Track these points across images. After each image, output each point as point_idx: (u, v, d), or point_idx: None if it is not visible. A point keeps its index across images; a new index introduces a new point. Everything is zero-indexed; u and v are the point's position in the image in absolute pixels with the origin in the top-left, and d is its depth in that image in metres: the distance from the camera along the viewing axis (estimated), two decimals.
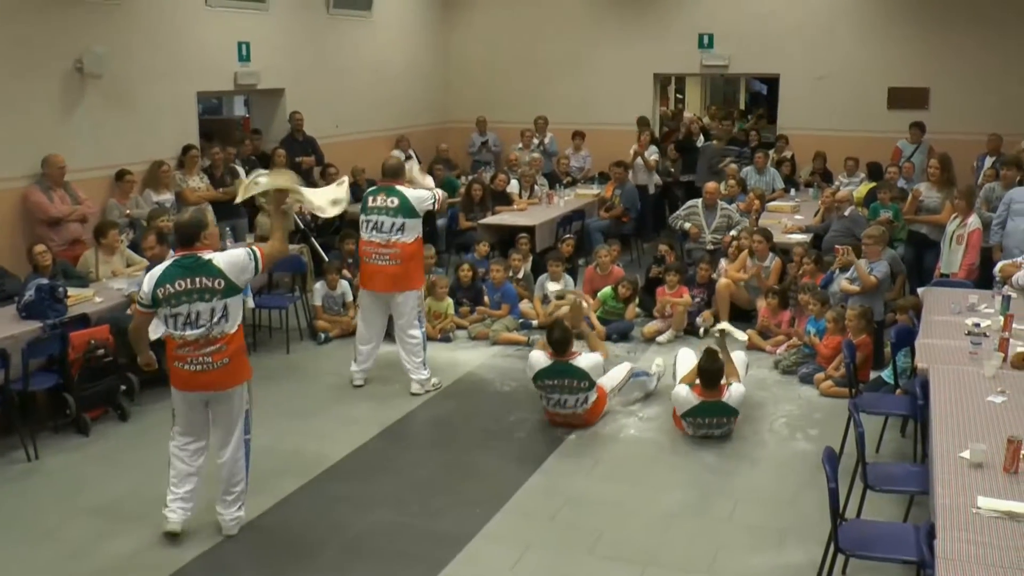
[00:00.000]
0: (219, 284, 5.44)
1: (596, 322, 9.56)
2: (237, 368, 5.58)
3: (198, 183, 10.61)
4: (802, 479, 6.49)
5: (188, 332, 5.44)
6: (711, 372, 7.00)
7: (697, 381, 7.10)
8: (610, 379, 7.71)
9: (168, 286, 5.41)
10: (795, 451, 7.03)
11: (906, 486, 5.34)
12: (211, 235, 5.67)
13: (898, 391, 7.14)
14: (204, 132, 12.11)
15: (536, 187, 13.32)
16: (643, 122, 15.00)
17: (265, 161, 11.81)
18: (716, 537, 5.75)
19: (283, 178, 5.99)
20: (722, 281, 9.97)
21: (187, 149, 10.74)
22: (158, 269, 5.53)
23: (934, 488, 4.42)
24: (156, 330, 7.10)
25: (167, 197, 10.16)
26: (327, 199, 6.19)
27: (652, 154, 14.13)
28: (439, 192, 8.30)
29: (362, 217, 8.09)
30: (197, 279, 5.41)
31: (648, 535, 5.78)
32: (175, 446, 5.72)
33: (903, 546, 4.53)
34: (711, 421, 7.07)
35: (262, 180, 5.94)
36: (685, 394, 7.10)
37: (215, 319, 5.43)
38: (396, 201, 7.96)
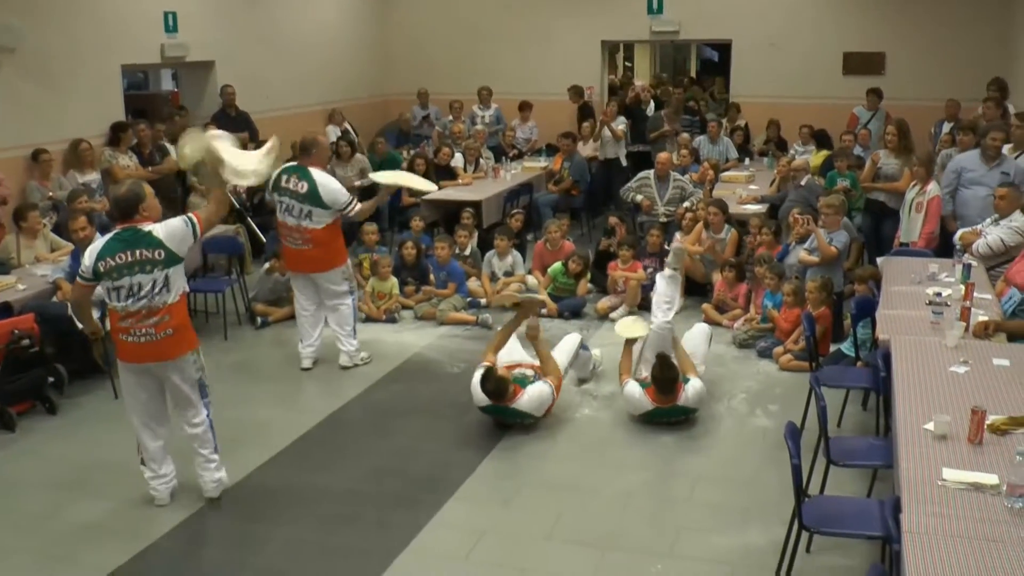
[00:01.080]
0: (159, 255, 5.57)
1: (547, 299, 9.55)
2: (182, 338, 5.74)
3: (127, 161, 10.42)
4: (763, 456, 6.55)
5: (131, 304, 5.56)
6: (665, 381, 6.88)
7: (649, 382, 7.03)
8: (562, 353, 7.65)
9: (109, 259, 5.54)
10: (755, 428, 7.08)
11: (870, 460, 5.41)
12: (150, 207, 5.72)
13: (859, 363, 7.23)
14: (130, 108, 11.90)
15: (481, 160, 13.28)
16: (577, 91, 15.00)
17: None
18: (677, 518, 5.78)
19: (199, 142, 5.95)
20: (676, 245, 9.96)
21: (123, 127, 10.54)
22: (99, 243, 5.66)
23: (898, 461, 4.47)
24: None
25: (92, 177, 9.97)
26: (244, 167, 6.06)
27: (620, 124, 14.15)
28: (358, 205, 8.08)
29: (275, 196, 8.01)
30: (138, 251, 5.55)
31: (607, 518, 5.79)
32: (135, 424, 5.91)
33: (868, 521, 4.58)
34: (667, 421, 7.08)
35: (185, 151, 5.95)
36: (638, 397, 7.02)
37: (156, 290, 5.58)
38: (305, 187, 7.86)
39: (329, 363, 8.39)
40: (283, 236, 8.06)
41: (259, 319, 9.54)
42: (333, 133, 14.06)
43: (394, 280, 9.87)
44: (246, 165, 6.08)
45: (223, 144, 5.98)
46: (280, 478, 6.39)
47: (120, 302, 5.58)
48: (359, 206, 8.07)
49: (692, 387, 6.97)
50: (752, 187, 11.96)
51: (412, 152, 13.74)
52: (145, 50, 11.64)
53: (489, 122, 15.00)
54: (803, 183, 10.58)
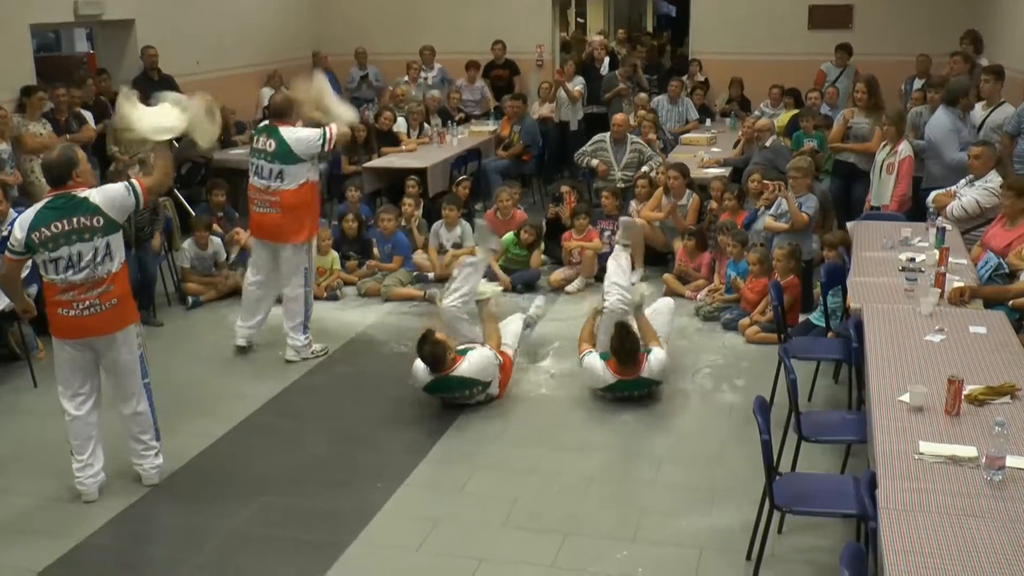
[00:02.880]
0: (98, 222, 5.59)
1: (499, 272, 9.56)
2: (125, 309, 5.78)
3: (40, 128, 10.24)
4: (730, 433, 6.63)
5: (72, 275, 5.56)
6: (625, 352, 6.91)
7: (610, 355, 7.07)
8: (511, 335, 7.68)
9: (43, 230, 5.53)
10: (721, 404, 7.17)
11: (843, 435, 5.49)
12: (83, 172, 5.71)
13: (830, 334, 7.33)
14: (40, 71, 11.67)
15: (426, 125, 13.22)
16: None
17: (112, 103, 11.45)
18: (640, 501, 5.84)
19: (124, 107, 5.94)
20: (638, 220, 10.05)
21: (29, 90, 10.34)
22: (29, 213, 5.63)
23: (873, 435, 4.54)
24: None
25: (2, 147, 9.77)
26: (152, 125, 5.99)
27: (577, 85, 14.12)
28: (332, 127, 7.93)
29: (250, 159, 8.05)
30: (74, 219, 5.55)
31: (566, 502, 5.84)
32: (67, 410, 5.85)
33: (843, 499, 4.65)
34: (631, 394, 7.13)
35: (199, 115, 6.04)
36: (599, 369, 7.04)
37: (98, 259, 5.62)
38: (273, 144, 7.84)
39: (268, 345, 8.35)
40: (251, 201, 8.03)
41: (190, 299, 9.46)
42: (268, 96, 13.87)
43: (334, 255, 9.84)
44: (152, 121, 5.99)
45: (130, 104, 5.95)
46: (219, 467, 6.36)
47: (59, 274, 5.57)
48: (333, 129, 7.92)
49: (655, 357, 7.01)
50: (714, 149, 12.03)
51: None
52: (56, 7, 11.42)
53: (433, 84, 14.92)
54: (767, 144, 10.66)
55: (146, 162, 10.16)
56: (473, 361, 6.95)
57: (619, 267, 7.73)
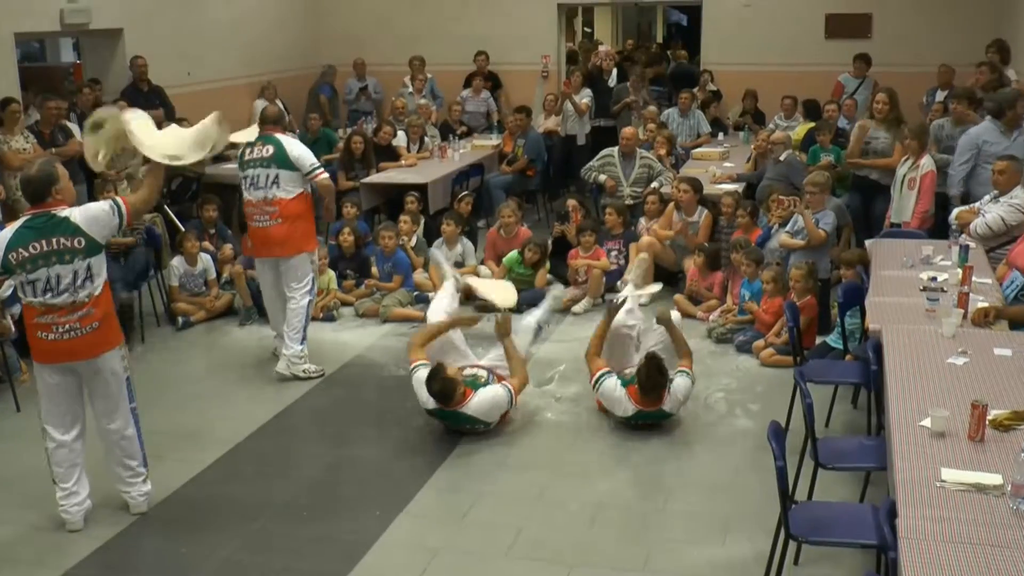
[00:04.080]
0: (79, 243, 5.57)
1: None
2: (108, 332, 5.76)
3: (23, 143, 10.28)
4: (744, 460, 6.64)
5: (51, 299, 5.55)
6: (651, 386, 6.89)
7: (629, 380, 7.07)
8: (522, 338, 7.71)
9: (21, 250, 5.51)
10: (735, 429, 7.17)
11: (861, 462, 5.50)
12: (64, 189, 5.69)
13: (847, 357, 7.34)
14: (25, 82, 11.74)
15: (426, 139, 13.27)
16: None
17: None
18: (650, 530, 5.85)
19: (113, 123, 5.95)
20: (644, 238, 10.07)
21: (6, 103, 10.38)
22: (6, 232, 5.61)
23: (893, 462, 4.54)
24: None
25: None
26: (186, 142, 6.07)
27: (584, 97, 14.17)
28: (325, 173, 8.18)
29: (240, 174, 8.12)
30: (53, 240, 5.53)
31: (573, 531, 5.84)
32: (51, 437, 5.84)
33: (861, 528, 4.66)
34: (644, 423, 7.13)
35: (88, 140, 5.95)
36: (621, 400, 7.02)
37: (78, 282, 5.59)
38: (271, 150, 7.95)
39: (262, 367, 8.37)
40: (249, 218, 8.11)
41: (180, 319, 9.48)
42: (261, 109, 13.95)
43: (331, 274, 9.86)
44: (182, 139, 6.12)
45: (140, 123, 5.97)
46: (210, 494, 6.37)
47: (37, 297, 5.56)
48: (326, 175, 8.13)
49: (679, 388, 7.00)
50: (727, 164, 12.05)
51: (349, 130, 13.69)
52: (42, 16, 11.49)
53: (423, 95, 14.98)
54: (782, 159, 10.68)
55: (134, 177, 10.21)
56: (484, 400, 6.94)
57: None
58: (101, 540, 5.81)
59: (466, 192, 11.53)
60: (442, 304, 8.04)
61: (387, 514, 6.03)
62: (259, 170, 7.95)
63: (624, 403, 7.01)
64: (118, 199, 5.79)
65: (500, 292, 7.94)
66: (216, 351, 8.80)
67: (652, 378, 6.88)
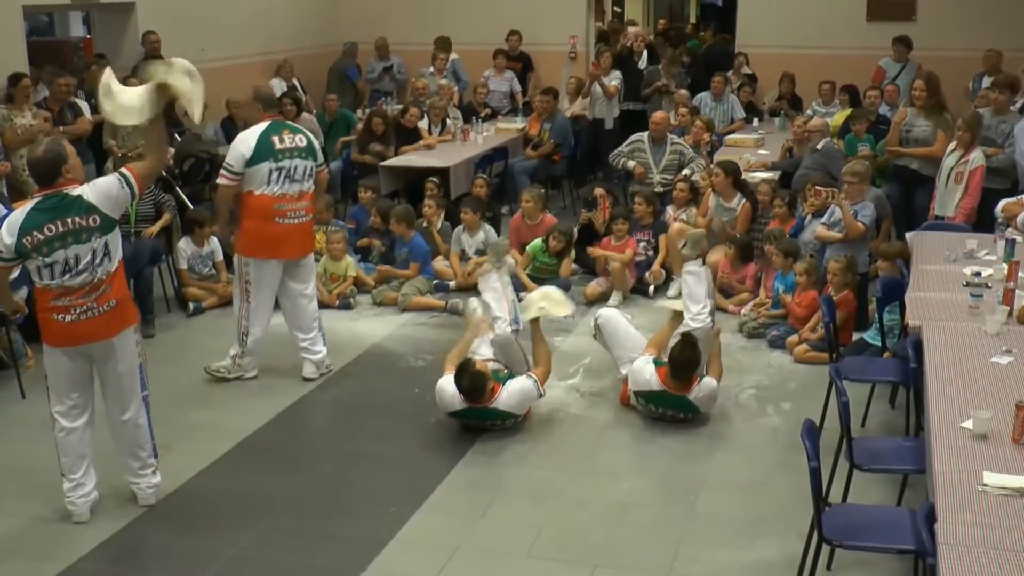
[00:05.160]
0: (94, 221, 5.60)
1: (528, 282, 9.59)
2: (124, 310, 5.83)
3: (30, 120, 10.34)
4: (775, 460, 6.63)
5: (69, 279, 5.59)
6: (682, 363, 6.88)
7: (664, 361, 7.07)
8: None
9: (36, 234, 5.54)
10: (766, 428, 7.17)
11: (899, 464, 5.50)
12: (73, 167, 5.70)
13: (886, 354, 7.32)
14: (33, 57, 11.80)
15: (448, 121, 13.28)
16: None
17: None
18: (677, 531, 5.85)
19: (173, 75, 5.86)
20: (675, 226, 10.03)
21: (16, 78, 10.44)
22: (18, 215, 5.61)
23: (932, 465, 4.54)
24: None
25: None
26: (129, 102, 5.88)
27: (614, 79, 14.15)
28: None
29: (269, 165, 7.58)
30: (69, 220, 5.55)
31: (596, 531, 5.85)
32: (60, 424, 5.89)
33: (898, 533, 4.65)
34: (666, 412, 7.14)
35: (180, 79, 5.81)
36: (648, 376, 7.03)
37: (97, 260, 5.64)
38: (304, 139, 7.80)
39: (275, 357, 8.39)
40: (276, 215, 7.66)
41: (191, 305, 9.53)
42: (279, 87, 14.01)
43: (349, 260, 9.87)
44: (130, 100, 5.88)
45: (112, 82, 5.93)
46: (220, 487, 6.41)
47: (55, 279, 5.59)
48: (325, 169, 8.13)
49: (707, 384, 7.02)
50: (761, 152, 12.03)
51: (368, 110, 13.71)
52: None
53: (445, 76, 14.99)
54: (820, 147, 10.64)
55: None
56: (513, 392, 6.95)
57: (696, 284, 7.66)
58: (108, 533, 5.85)
59: (481, 175, 11.52)
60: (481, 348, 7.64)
61: (403, 511, 6.06)
62: (296, 161, 7.67)
63: (650, 375, 7.01)
64: (124, 170, 5.78)
65: (555, 304, 7.84)
66: (228, 339, 8.81)
67: (683, 351, 6.88)
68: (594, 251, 9.98)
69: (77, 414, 5.90)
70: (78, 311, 5.64)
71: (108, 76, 5.98)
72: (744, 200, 10.04)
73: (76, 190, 5.62)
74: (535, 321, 7.56)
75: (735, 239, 9.59)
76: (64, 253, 5.55)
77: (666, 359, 7.08)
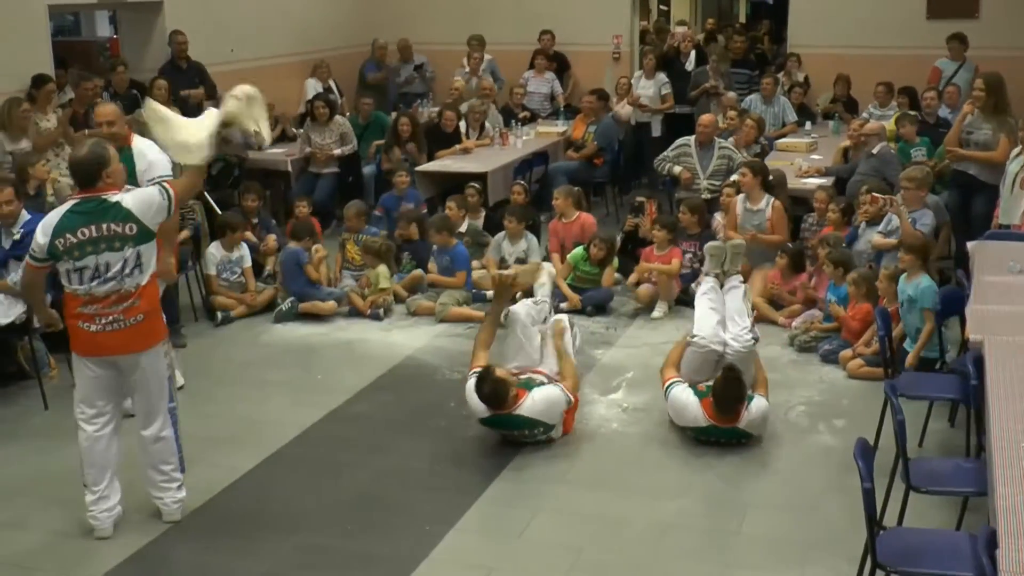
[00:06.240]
0: (130, 229, 5.67)
1: (567, 290, 9.58)
2: (152, 326, 5.86)
3: (55, 124, 10.44)
4: (827, 481, 6.59)
5: (97, 286, 5.64)
6: (727, 399, 6.87)
7: (704, 393, 7.04)
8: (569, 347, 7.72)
9: (69, 236, 5.61)
10: (817, 447, 7.13)
11: (958, 486, 5.45)
12: (115, 172, 5.80)
13: (945, 370, 7.26)
14: (58, 57, 11.93)
15: (487, 124, 13.31)
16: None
17: (142, 94, 11.70)
18: (722, 554, 5.84)
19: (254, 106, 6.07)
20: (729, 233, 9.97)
21: (40, 81, 10.56)
22: (53, 216, 5.72)
23: (994, 487, 4.50)
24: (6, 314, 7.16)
25: (24, 145, 9.95)
26: (188, 138, 5.98)
27: (660, 84, 14.18)
28: None
29: None
30: (104, 225, 5.63)
31: (639, 553, 5.85)
32: (85, 431, 5.94)
33: (957, 559, 4.60)
34: (718, 440, 7.09)
35: (231, 104, 5.96)
36: (692, 409, 7.00)
37: (127, 270, 5.70)
38: None
39: (301, 368, 8.44)
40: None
41: (219, 314, 9.60)
42: (313, 88, 14.10)
43: (383, 269, 9.89)
44: (189, 138, 5.97)
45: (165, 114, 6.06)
46: (247, 503, 6.45)
47: (83, 284, 5.66)
48: None
49: (757, 408, 6.97)
50: (814, 156, 11.97)
51: (399, 113, 13.75)
52: None
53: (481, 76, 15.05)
54: (875, 151, 10.58)
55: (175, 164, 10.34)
56: (538, 400, 6.94)
57: (740, 304, 7.71)
58: (131, 549, 5.89)
59: (518, 181, 11.53)
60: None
61: (437, 529, 6.07)
62: None
63: (695, 411, 6.98)
64: (165, 184, 5.88)
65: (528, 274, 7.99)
66: (257, 349, 8.90)
67: (729, 390, 6.84)
68: (643, 265, 9.90)
69: (103, 422, 5.94)
70: (103, 321, 5.69)
71: (159, 107, 6.12)
72: (773, 200, 9.96)
73: (115, 196, 5.70)
74: (557, 338, 7.56)
75: (787, 248, 9.54)
76: (95, 259, 5.62)
77: (697, 384, 7.13)
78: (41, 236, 5.68)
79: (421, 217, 10.51)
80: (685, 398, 7.05)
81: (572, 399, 7.13)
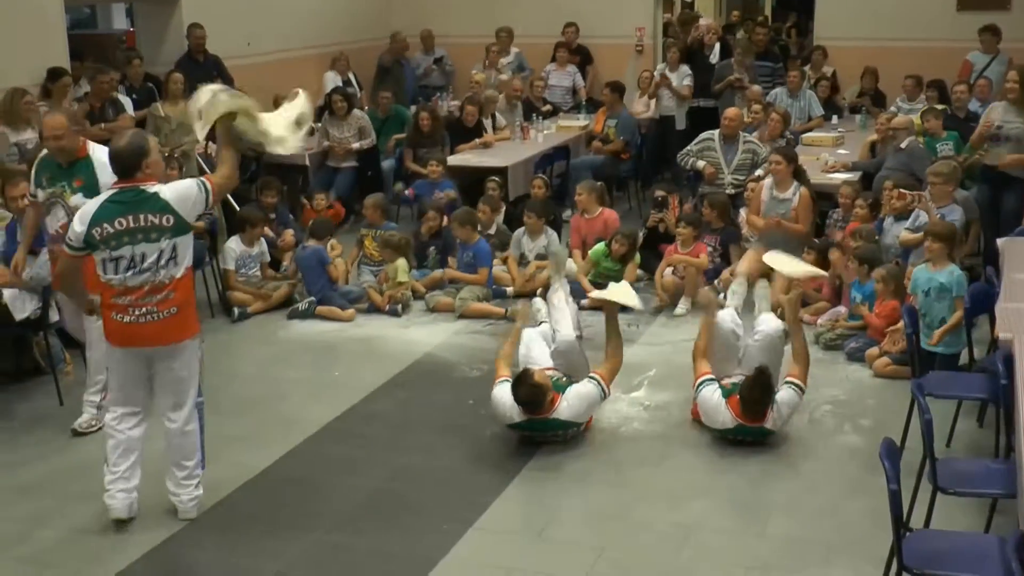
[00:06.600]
0: (167, 221, 5.76)
1: (588, 286, 9.56)
2: (185, 319, 5.95)
3: None
4: (852, 481, 6.58)
5: (132, 277, 5.74)
6: (754, 401, 6.86)
7: (731, 389, 7.04)
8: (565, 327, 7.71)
9: (106, 225, 5.70)
10: (843, 446, 7.11)
11: (987, 488, 5.42)
12: (153, 163, 5.88)
13: (973, 369, 7.22)
14: (74, 51, 11.98)
15: (497, 115, 13.30)
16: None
17: (158, 88, 11.75)
18: (745, 556, 5.81)
19: (241, 100, 6.09)
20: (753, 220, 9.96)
21: (56, 75, 10.61)
22: (92, 205, 5.81)
23: (1023, 489, 4.48)
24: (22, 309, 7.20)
25: (29, 136, 10.01)
26: (285, 122, 6.19)
27: (683, 77, 14.18)
28: None
29: None
30: (141, 216, 5.72)
31: (660, 554, 5.83)
32: (111, 416, 6.05)
33: (986, 563, 4.59)
34: (744, 439, 7.07)
35: (223, 97, 6.00)
36: (720, 411, 6.97)
37: (162, 261, 5.77)
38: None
39: (318, 367, 8.45)
40: None
41: (236, 310, 9.62)
42: (332, 81, 14.13)
43: (402, 263, 9.90)
44: (283, 120, 6.21)
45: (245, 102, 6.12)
46: (263, 501, 6.47)
47: (118, 275, 5.75)
48: None
49: (785, 404, 6.93)
50: (841, 151, 11.93)
51: (419, 107, 13.75)
52: None
53: (510, 71, 15.03)
54: (904, 146, 10.54)
55: (190, 156, 10.39)
56: (573, 400, 6.94)
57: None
58: (146, 547, 5.91)
59: (539, 175, 11.53)
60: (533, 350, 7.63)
61: (455, 529, 6.07)
62: None
63: (723, 413, 6.96)
64: (204, 179, 5.97)
65: (624, 295, 7.89)
66: (274, 346, 8.92)
67: (755, 395, 6.83)
68: (672, 258, 9.88)
69: (128, 411, 6.03)
70: (137, 313, 5.77)
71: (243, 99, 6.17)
72: (801, 189, 9.90)
73: (153, 187, 5.78)
74: (612, 311, 7.52)
75: (814, 244, 9.50)
76: (132, 249, 5.71)
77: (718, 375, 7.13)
78: (78, 224, 5.77)
79: (446, 208, 10.50)
80: (715, 401, 7.01)
81: (607, 392, 7.09)
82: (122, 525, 6.03)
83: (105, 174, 6.62)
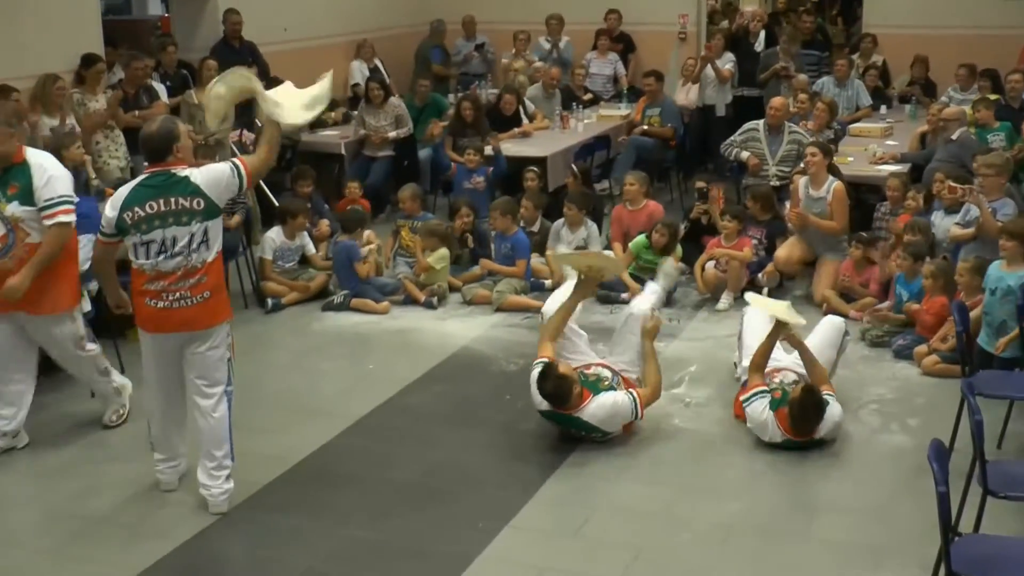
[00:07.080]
0: (198, 204, 5.85)
1: (629, 281, 9.52)
2: (218, 304, 6.08)
3: (104, 104, 10.55)
4: (899, 483, 6.53)
5: (164, 261, 5.84)
6: (804, 419, 6.80)
7: (780, 401, 6.96)
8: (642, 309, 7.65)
9: (137, 209, 5.81)
10: (889, 447, 7.06)
11: None
12: (184, 147, 5.98)
13: None
14: (108, 37, 12.04)
15: (527, 103, 13.30)
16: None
17: (192, 74, 11.78)
18: (787, 558, 5.79)
19: (240, 78, 6.17)
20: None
21: (90, 60, 10.66)
22: (124, 189, 5.94)
23: None
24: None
25: (55, 124, 10.05)
26: (299, 101, 6.25)
27: (727, 63, 14.11)
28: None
29: None
30: (172, 199, 5.82)
31: (699, 555, 5.82)
32: (150, 402, 6.28)
33: None
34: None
35: (219, 89, 6.10)
36: (769, 426, 6.90)
37: (194, 245, 5.87)
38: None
39: (353, 359, 8.46)
40: None
41: (269, 301, 9.63)
42: (359, 71, 14.14)
43: (443, 252, 9.85)
44: (297, 98, 6.27)
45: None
46: (295, 496, 6.48)
47: (149, 259, 5.85)
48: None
49: (830, 418, 6.86)
50: (890, 142, 11.83)
51: (460, 94, 13.75)
52: None
53: (563, 59, 15.01)
54: (955, 137, 10.45)
55: (224, 144, 10.41)
56: (602, 406, 6.89)
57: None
58: (176, 542, 5.93)
59: (577, 164, 11.49)
60: (560, 296, 7.77)
61: (490, 526, 6.06)
62: None
63: (771, 429, 6.90)
64: (237, 161, 6.03)
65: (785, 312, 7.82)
66: (308, 337, 8.93)
67: (807, 414, 6.78)
68: (715, 251, 9.79)
69: (165, 396, 6.21)
70: (170, 297, 5.87)
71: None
72: (834, 185, 9.76)
73: (184, 171, 5.87)
74: (647, 338, 7.45)
75: (861, 238, 9.42)
76: (162, 233, 5.80)
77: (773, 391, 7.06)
78: (110, 210, 5.89)
79: (478, 198, 10.51)
80: (764, 418, 6.92)
81: (640, 413, 7.02)
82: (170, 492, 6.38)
83: (41, 176, 6.46)
